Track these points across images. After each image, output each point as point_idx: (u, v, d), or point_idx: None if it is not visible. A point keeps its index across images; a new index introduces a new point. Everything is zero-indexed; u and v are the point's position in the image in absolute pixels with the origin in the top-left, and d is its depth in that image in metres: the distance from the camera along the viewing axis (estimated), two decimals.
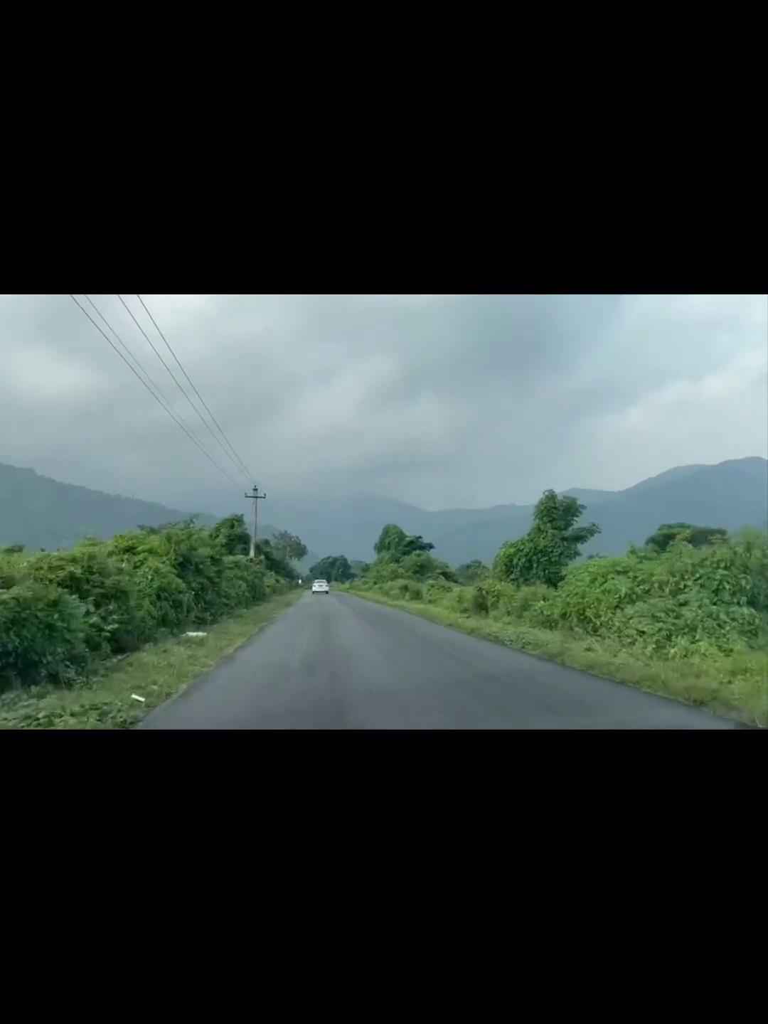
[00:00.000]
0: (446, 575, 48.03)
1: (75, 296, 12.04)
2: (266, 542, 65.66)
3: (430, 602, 30.72)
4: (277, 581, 47.75)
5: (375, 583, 62.84)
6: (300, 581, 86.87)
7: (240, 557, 31.20)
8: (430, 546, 71.08)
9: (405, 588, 40.70)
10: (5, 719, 6.02)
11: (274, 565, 61.28)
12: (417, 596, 36.67)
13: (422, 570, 53.32)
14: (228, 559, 28.59)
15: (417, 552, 64.07)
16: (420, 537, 74.41)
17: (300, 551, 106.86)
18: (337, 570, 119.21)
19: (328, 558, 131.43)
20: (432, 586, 36.11)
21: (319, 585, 66.94)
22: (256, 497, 42.52)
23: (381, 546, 75.76)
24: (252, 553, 39.76)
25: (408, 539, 72.73)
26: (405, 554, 65.40)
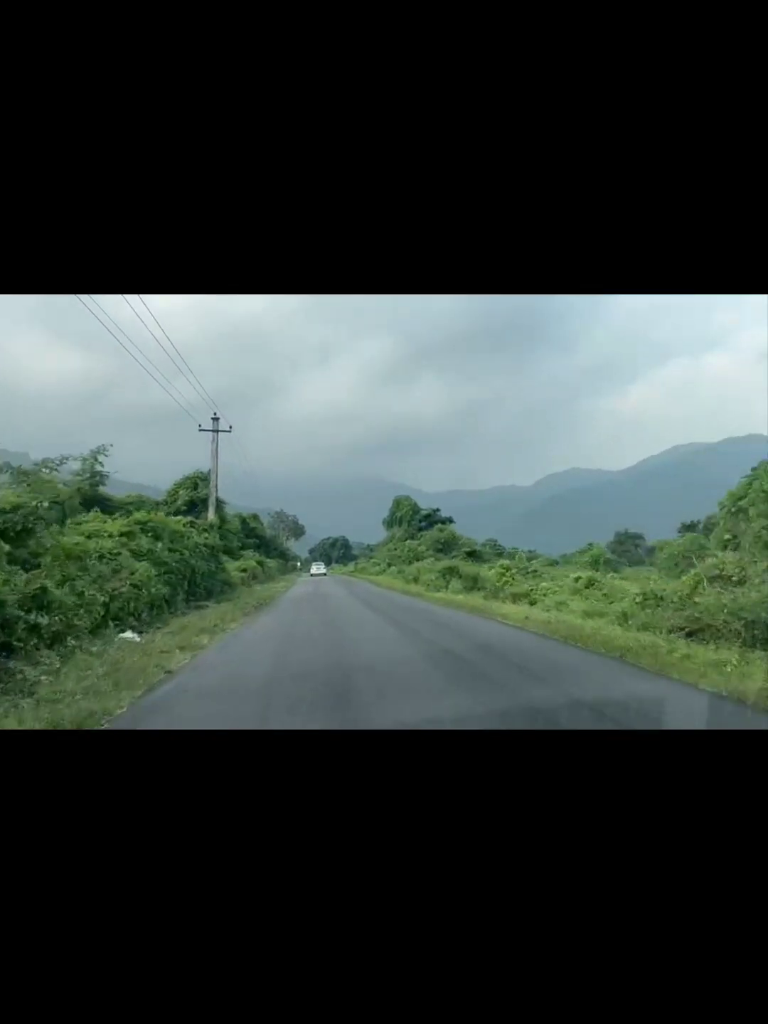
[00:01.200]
0: (472, 553, 39.85)
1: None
2: (255, 516, 52.39)
3: (526, 599, 16.67)
4: (260, 565, 33.38)
5: (389, 564, 49.91)
6: (297, 564, 76.35)
7: (173, 519, 17.01)
8: (450, 520, 58.34)
9: (450, 572, 26.60)
10: None
11: (264, 544, 48.36)
12: (475, 585, 22.66)
13: (446, 548, 43.95)
14: (97, 521, 14.26)
15: (439, 526, 51.49)
16: (438, 510, 62.32)
17: (298, 531, 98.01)
18: (338, 551, 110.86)
19: (328, 539, 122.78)
20: (506, 571, 21.98)
21: (317, 568, 63.29)
22: (216, 430, 26.54)
23: (392, 521, 64.26)
24: (211, 513, 25.13)
25: (424, 512, 60.78)
26: (420, 530, 53.37)
